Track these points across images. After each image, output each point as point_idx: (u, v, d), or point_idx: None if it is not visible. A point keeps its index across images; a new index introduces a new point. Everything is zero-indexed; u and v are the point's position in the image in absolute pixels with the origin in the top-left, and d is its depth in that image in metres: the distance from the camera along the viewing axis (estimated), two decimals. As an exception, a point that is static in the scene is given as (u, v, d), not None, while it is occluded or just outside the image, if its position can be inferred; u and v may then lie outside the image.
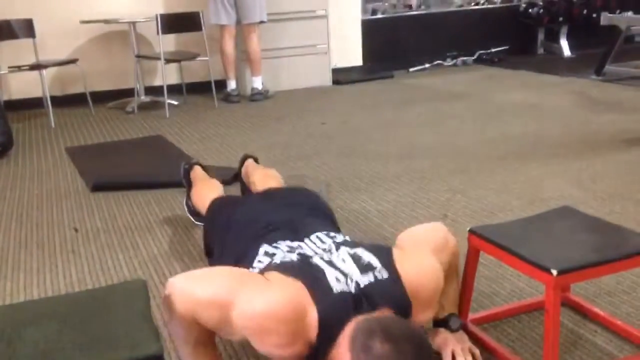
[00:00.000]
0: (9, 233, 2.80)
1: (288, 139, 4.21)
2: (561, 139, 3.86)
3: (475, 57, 6.97)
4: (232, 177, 3.03)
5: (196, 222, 2.72)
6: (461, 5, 7.24)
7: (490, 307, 2.00)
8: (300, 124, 4.61)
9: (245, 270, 1.62)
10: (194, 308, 1.45)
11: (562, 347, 1.74)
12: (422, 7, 7.18)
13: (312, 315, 1.42)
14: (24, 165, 3.89)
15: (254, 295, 1.43)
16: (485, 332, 1.85)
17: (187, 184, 2.75)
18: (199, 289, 1.48)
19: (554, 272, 1.51)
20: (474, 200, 2.87)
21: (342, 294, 1.46)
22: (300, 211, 2.00)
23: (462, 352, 1.72)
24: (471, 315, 1.90)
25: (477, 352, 1.73)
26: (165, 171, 3.44)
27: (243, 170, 2.83)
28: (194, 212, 2.72)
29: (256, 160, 2.85)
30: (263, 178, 2.60)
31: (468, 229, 1.81)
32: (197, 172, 2.75)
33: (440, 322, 1.77)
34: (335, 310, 1.43)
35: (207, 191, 2.51)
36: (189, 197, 2.73)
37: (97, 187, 3.32)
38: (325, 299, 1.44)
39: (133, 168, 3.71)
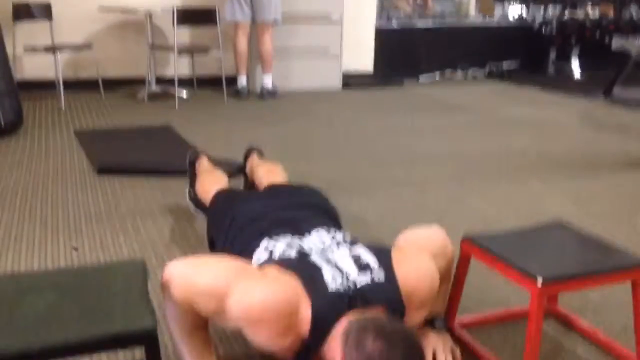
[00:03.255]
0: (14, 208, 2.85)
1: (293, 138, 4.26)
2: (563, 157, 3.90)
3: (486, 71, 7.01)
4: (236, 169, 3.07)
5: (194, 211, 2.77)
6: (475, 22, 7.30)
7: (477, 312, 2.04)
8: (306, 125, 4.66)
9: (244, 262, 1.65)
10: (191, 295, 1.49)
11: (543, 356, 1.78)
12: (437, 19, 7.23)
13: (306, 311, 1.46)
14: (32, 144, 3.95)
15: (250, 287, 1.47)
16: (471, 336, 1.89)
17: (190, 173, 2.79)
18: (197, 276, 1.52)
19: (539, 280, 1.55)
20: (471, 211, 2.92)
21: (338, 292, 1.49)
22: (303, 208, 2.04)
23: (443, 351, 1.76)
24: (458, 319, 1.95)
25: (457, 352, 1.77)
26: (171, 160, 3.49)
27: (248, 164, 2.88)
28: (195, 200, 2.77)
29: (261, 153, 2.89)
30: (267, 173, 2.64)
31: (461, 236, 1.86)
32: (203, 163, 2.79)
33: (426, 322, 1.81)
34: (330, 307, 1.47)
35: (212, 183, 2.54)
36: (192, 185, 2.78)
37: (103, 170, 3.37)
38: (320, 296, 1.48)
39: (139, 155, 3.77)
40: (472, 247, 1.80)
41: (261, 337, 1.47)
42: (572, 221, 2.03)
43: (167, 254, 2.43)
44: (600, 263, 1.68)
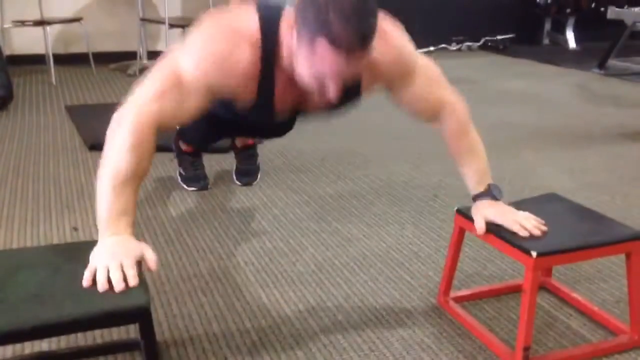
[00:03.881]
0: (5, 184, 2.83)
1: (287, 111, 4.23)
2: (557, 129, 3.89)
3: (480, 43, 6.96)
4: (228, 145, 3.05)
5: (188, 188, 2.77)
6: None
7: (472, 287, 2.04)
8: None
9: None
10: (149, 105, 1.47)
11: (537, 328, 1.79)
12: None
13: (252, 20, 1.52)
14: (23, 119, 3.91)
15: (189, 46, 1.54)
16: (464, 310, 1.90)
17: (177, 153, 2.80)
18: (144, 87, 1.52)
19: (534, 254, 1.55)
20: (465, 184, 2.90)
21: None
22: None
23: (525, 219, 1.66)
24: (453, 293, 1.95)
25: (541, 220, 1.68)
26: (162, 135, 3.46)
27: (237, 139, 2.87)
28: (186, 180, 2.78)
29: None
30: None
31: (455, 209, 1.85)
32: None
33: (482, 194, 1.74)
34: (272, 5, 1.54)
35: None
36: (180, 164, 2.79)
37: (95, 146, 3.34)
38: (262, 4, 1.56)
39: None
40: (465, 221, 1.80)
41: (225, 74, 1.51)
42: (566, 193, 2.02)
43: (160, 229, 2.42)
44: (594, 235, 1.68)
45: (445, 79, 1.82)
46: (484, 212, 1.71)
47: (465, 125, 1.80)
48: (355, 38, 1.36)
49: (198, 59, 1.51)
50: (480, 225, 1.69)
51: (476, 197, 1.77)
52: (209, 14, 1.61)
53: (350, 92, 1.62)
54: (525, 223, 1.65)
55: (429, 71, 1.76)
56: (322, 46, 1.37)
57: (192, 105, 1.54)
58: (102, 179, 1.43)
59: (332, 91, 1.45)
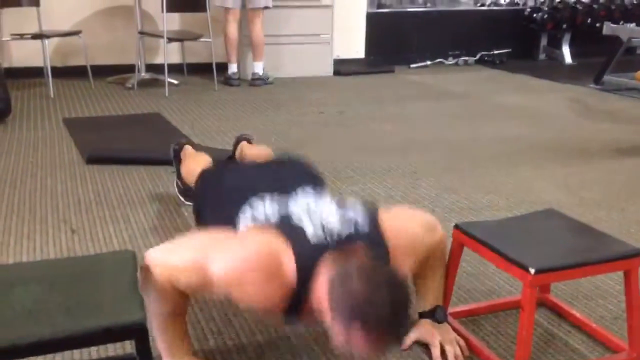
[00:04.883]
0: (2, 198, 2.82)
1: (285, 125, 4.24)
2: (554, 144, 3.90)
3: (477, 57, 6.99)
4: (227, 159, 3.05)
5: (185, 202, 2.75)
6: (466, 5, 7.27)
7: (470, 302, 2.04)
8: (298, 112, 4.63)
9: (220, 232, 1.63)
10: (172, 274, 1.49)
11: (535, 345, 1.79)
12: (429, 4, 7.20)
13: (290, 262, 1.47)
14: (21, 132, 3.90)
15: (229, 250, 1.50)
16: (463, 326, 1.89)
17: (176, 164, 2.78)
18: (176, 255, 1.54)
19: (532, 270, 1.55)
20: (463, 198, 2.91)
21: (320, 241, 1.50)
22: (290, 171, 2.03)
23: (449, 344, 1.75)
24: (451, 309, 1.95)
25: (463, 343, 1.77)
26: (160, 149, 3.46)
27: (237, 151, 2.86)
28: (183, 191, 2.76)
29: (250, 142, 2.87)
30: (257, 155, 2.63)
31: (453, 224, 1.85)
32: (187, 150, 2.77)
33: (426, 314, 1.81)
34: (313, 253, 1.48)
35: (196, 164, 2.50)
36: (178, 176, 2.77)
37: (92, 160, 3.34)
38: (303, 245, 1.50)
39: (129, 143, 3.73)
40: (463, 236, 1.79)
41: (249, 296, 1.48)
42: (562, 208, 2.03)
43: (157, 243, 2.40)
44: (592, 252, 1.68)
45: (433, 225, 1.77)
46: (418, 330, 1.78)
47: (443, 253, 1.82)
48: (389, 341, 1.39)
49: (229, 278, 1.47)
50: (407, 341, 1.77)
51: (420, 315, 1.82)
52: (253, 229, 1.60)
53: None
54: (447, 348, 1.73)
55: (424, 239, 1.73)
56: (357, 339, 1.34)
57: (210, 294, 1.62)
58: (152, 317, 1.55)
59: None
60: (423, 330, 1.79)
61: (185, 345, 1.62)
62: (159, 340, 1.59)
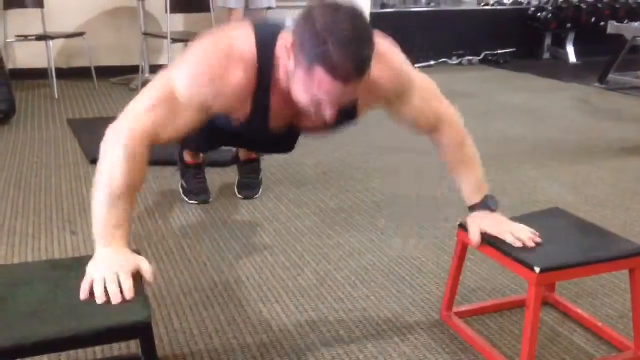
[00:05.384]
0: (7, 198, 2.83)
1: (289, 125, 4.23)
2: (559, 144, 3.89)
3: (481, 57, 6.98)
4: (231, 159, 3.05)
5: (190, 202, 2.78)
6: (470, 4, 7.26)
7: (475, 302, 2.03)
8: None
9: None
10: (142, 119, 1.50)
11: (540, 344, 1.78)
12: (432, 4, 7.19)
13: (247, 40, 1.55)
14: (25, 133, 3.91)
15: (183, 61, 1.57)
16: (468, 325, 1.89)
17: (180, 164, 2.81)
18: (138, 102, 1.55)
19: (537, 269, 1.54)
20: (468, 198, 2.90)
21: (279, 22, 1.62)
22: None
23: (519, 231, 1.66)
24: (456, 309, 1.94)
25: (535, 232, 1.68)
26: (165, 149, 3.46)
27: (241, 152, 2.87)
28: (188, 192, 2.79)
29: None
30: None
31: (458, 223, 1.85)
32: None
33: (477, 205, 1.76)
34: (271, 29, 1.58)
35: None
36: (183, 176, 2.80)
37: (96, 160, 3.33)
38: (260, 23, 1.61)
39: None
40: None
41: (218, 88, 1.52)
42: (567, 207, 2.02)
43: (161, 243, 2.41)
44: (598, 251, 1.67)
45: (440, 93, 1.83)
46: (479, 223, 1.72)
47: (462, 137, 1.81)
48: (352, 67, 1.39)
49: (192, 75, 1.54)
50: (475, 237, 1.70)
51: (472, 208, 1.78)
52: (206, 33, 1.63)
53: (347, 113, 1.64)
54: (519, 234, 1.66)
55: (425, 87, 1.78)
56: (320, 74, 1.39)
57: (185, 120, 1.56)
58: (97, 192, 1.45)
59: (329, 114, 1.48)
60: (485, 222, 1.71)
61: (125, 233, 1.44)
62: (97, 220, 1.43)
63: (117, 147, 1.46)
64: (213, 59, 1.54)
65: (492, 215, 1.74)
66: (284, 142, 2.19)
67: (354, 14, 1.41)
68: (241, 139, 2.16)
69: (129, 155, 1.45)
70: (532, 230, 1.69)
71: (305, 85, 1.44)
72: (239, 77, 1.54)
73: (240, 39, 1.57)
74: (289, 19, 1.59)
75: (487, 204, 1.75)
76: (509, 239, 1.65)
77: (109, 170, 1.45)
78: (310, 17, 1.40)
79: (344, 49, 1.36)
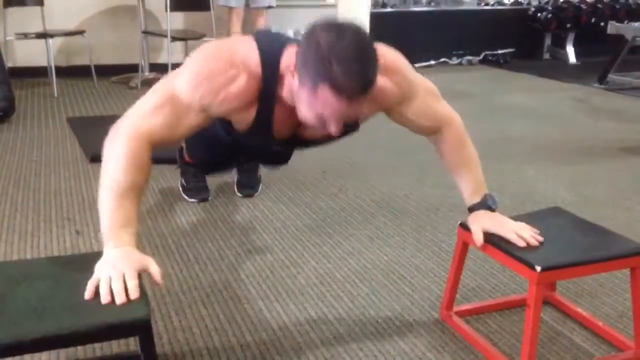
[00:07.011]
0: (6, 196, 2.82)
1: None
2: (558, 144, 3.89)
3: (481, 57, 6.98)
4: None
5: (189, 200, 2.77)
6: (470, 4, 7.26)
7: (475, 301, 2.03)
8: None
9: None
10: (144, 119, 1.50)
11: (540, 343, 1.78)
12: (432, 4, 7.19)
13: (251, 51, 1.54)
14: (25, 131, 3.91)
15: (185, 65, 1.56)
16: (468, 324, 1.89)
17: (181, 162, 2.81)
18: (142, 103, 1.55)
19: (538, 268, 1.54)
20: (468, 197, 2.90)
21: (284, 35, 1.63)
22: None
23: (521, 229, 1.66)
24: (456, 308, 1.94)
25: (536, 230, 1.68)
26: (164, 148, 3.46)
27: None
28: (188, 190, 2.78)
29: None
30: None
31: (458, 222, 1.84)
32: None
33: (478, 205, 1.75)
34: (276, 41, 1.58)
35: None
36: (182, 174, 2.79)
37: (96, 158, 3.32)
38: (264, 35, 1.61)
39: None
40: (469, 234, 1.78)
41: (220, 95, 1.51)
42: (567, 207, 2.02)
43: (161, 241, 2.41)
44: (599, 250, 1.67)
45: (440, 95, 1.83)
46: (481, 223, 1.71)
47: (462, 137, 1.82)
48: (357, 86, 1.39)
49: (195, 77, 1.53)
50: (478, 237, 1.69)
51: (471, 208, 1.78)
52: (207, 43, 1.65)
53: (350, 123, 1.62)
54: (522, 233, 1.65)
55: (426, 90, 1.78)
56: (325, 93, 1.39)
57: (188, 122, 1.55)
58: (102, 193, 1.45)
59: (334, 129, 1.47)
60: (487, 222, 1.70)
61: (132, 232, 1.45)
62: (104, 220, 1.43)
63: (120, 145, 1.46)
64: (217, 63, 1.54)
65: (492, 215, 1.74)
66: (283, 153, 2.18)
67: (357, 32, 1.41)
68: (243, 150, 2.15)
69: (133, 155, 1.46)
70: (533, 228, 1.69)
71: (310, 104, 1.44)
72: (243, 81, 1.53)
73: (243, 49, 1.56)
74: (290, 31, 1.62)
75: (487, 204, 1.75)
76: (512, 237, 1.64)
77: (112, 170, 1.45)
78: (314, 37, 1.40)
79: (348, 67, 1.36)
